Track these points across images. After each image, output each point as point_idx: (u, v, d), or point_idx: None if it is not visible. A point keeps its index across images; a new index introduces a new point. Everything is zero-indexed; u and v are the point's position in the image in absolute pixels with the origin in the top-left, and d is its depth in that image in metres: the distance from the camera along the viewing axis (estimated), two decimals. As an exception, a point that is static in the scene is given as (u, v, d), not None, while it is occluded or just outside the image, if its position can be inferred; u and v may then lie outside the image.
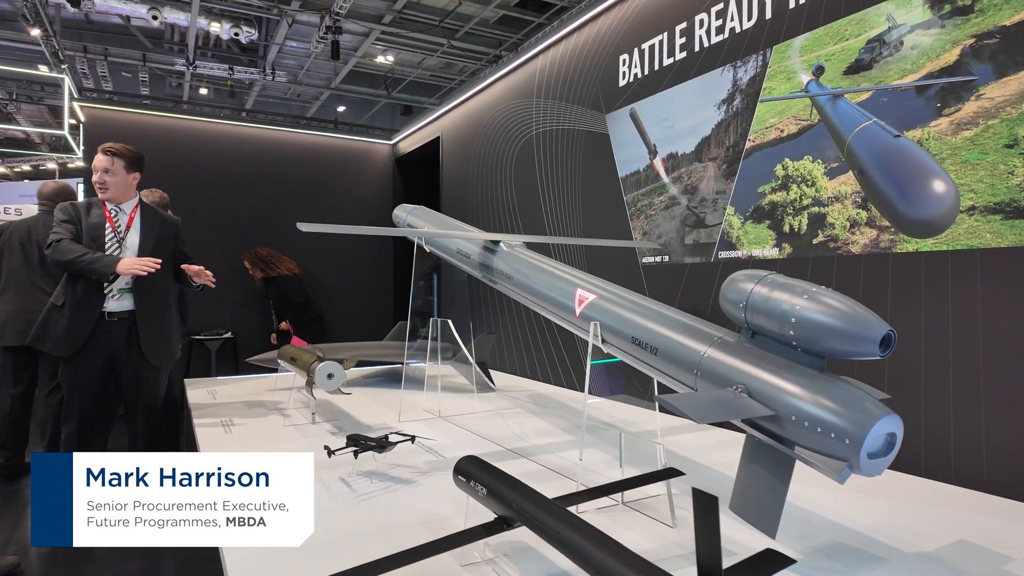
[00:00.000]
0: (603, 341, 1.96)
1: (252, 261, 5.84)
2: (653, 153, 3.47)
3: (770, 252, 2.82)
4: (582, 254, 4.04)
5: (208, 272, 3.12)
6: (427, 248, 3.13)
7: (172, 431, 3.93)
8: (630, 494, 1.99)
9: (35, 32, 11.28)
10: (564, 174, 4.19)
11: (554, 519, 1.26)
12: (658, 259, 3.43)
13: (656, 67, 3.45)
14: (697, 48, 3.20)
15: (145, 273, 2.85)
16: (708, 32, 3.13)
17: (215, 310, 5.81)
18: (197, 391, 3.92)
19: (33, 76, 13.71)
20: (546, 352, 4.32)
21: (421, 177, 6.28)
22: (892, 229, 2.37)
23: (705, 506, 0.96)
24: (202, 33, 16.22)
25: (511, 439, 2.76)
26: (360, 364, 4.14)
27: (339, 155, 6.67)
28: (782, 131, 2.78)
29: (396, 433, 2.30)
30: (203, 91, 19.08)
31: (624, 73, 3.67)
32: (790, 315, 1.40)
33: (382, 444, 2.16)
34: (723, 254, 3.05)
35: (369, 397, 3.73)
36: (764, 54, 2.85)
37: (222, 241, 5.85)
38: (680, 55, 3.30)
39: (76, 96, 14.17)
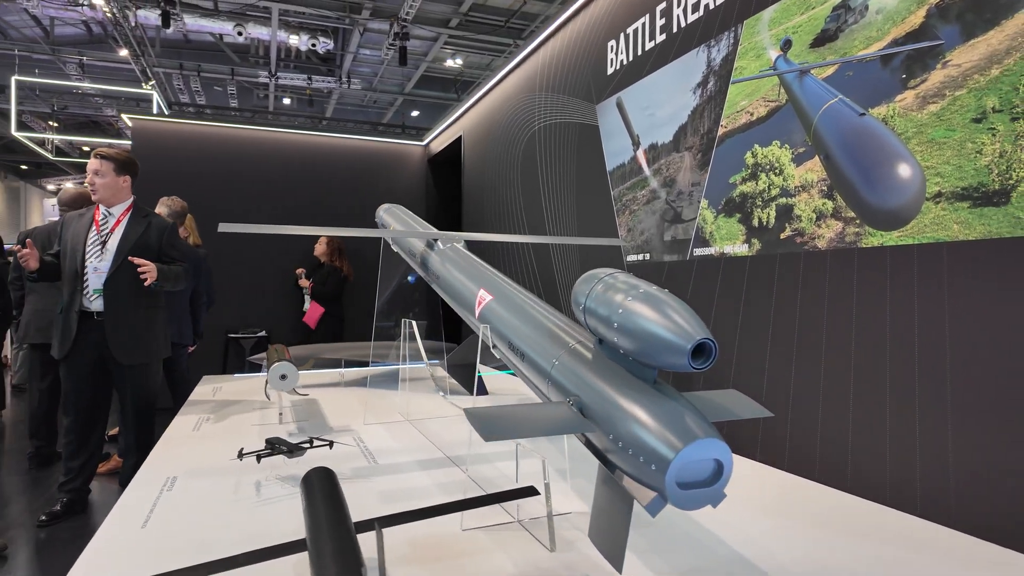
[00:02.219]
0: (493, 346, 1.83)
1: (331, 244, 5.96)
2: (636, 144, 3.26)
3: (740, 248, 2.56)
4: (575, 254, 3.88)
5: (147, 267, 3.10)
6: (394, 248, 3.09)
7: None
8: (532, 510, 1.86)
9: (123, 52, 12.33)
10: (560, 169, 4.03)
11: (325, 545, 1.16)
12: (641, 257, 3.22)
13: (639, 52, 3.24)
14: (675, 28, 2.97)
15: None
16: (685, 10, 2.90)
17: (251, 309, 6.08)
18: (205, 387, 4.09)
19: (126, 93, 14.93)
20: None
21: (450, 177, 6.27)
22: (857, 221, 2.07)
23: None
24: (283, 46, 17.15)
25: (460, 446, 2.67)
26: (357, 365, 4.17)
27: (378, 157, 6.79)
28: (752, 114, 2.52)
29: (317, 438, 2.27)
30: (286, 101, 20.17)
31: (612, 60, 3.48)
32: (612, 320, 1.23)
33: (292, 449, 2.13)
34: (697, 251, 2.81)
35: (359, 398, 3.74)
36: (736, 30, 2.60)
37: (263, 242, 6.11)
38: (660, 37, 3.08)
39: (167, 111, 15.32)
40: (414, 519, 1.35)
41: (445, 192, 6.40)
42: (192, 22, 14.86)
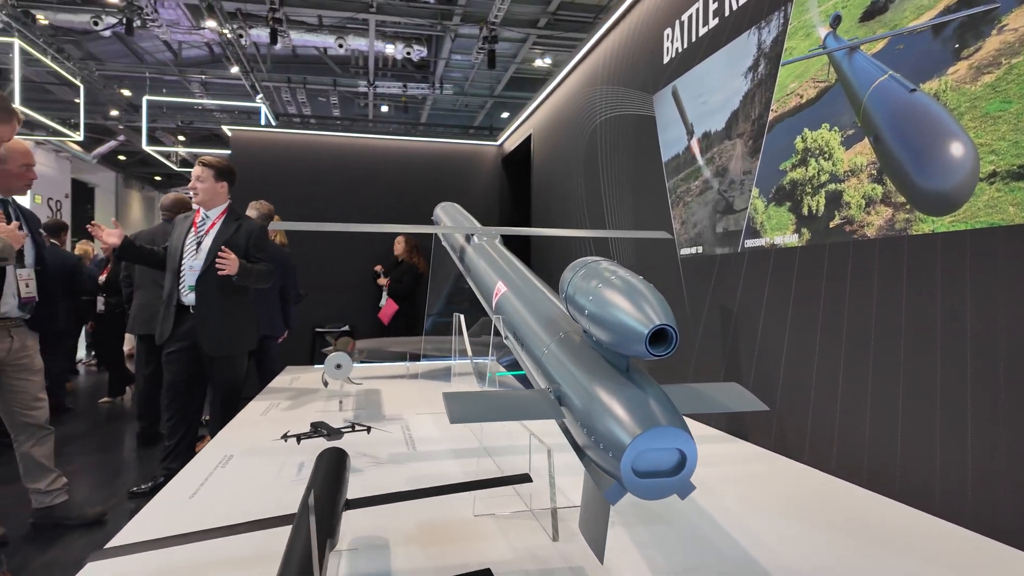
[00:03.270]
0: (505, 336, 1.86)
1: (409, 242, 6.24)
2: (690, 133, 3.16)
3: (790, 239, 2.42)
4: (631, 248, 3.81)
5: (228, 259, 3.34)
6: (444, 244, 3.18)
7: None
8: (543, 499, 1.87)
9: (234, 70, 13.40)
10: (618, 162, 3.97)
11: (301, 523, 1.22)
12: (694, 251, 3.11)
13: (693, 38, 3.13)
14: (727, 12, 2.85)
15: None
16: (736, -8, 2.78)
17: (336, 305, 6.44)
18: (285, 376, 4.39)
19: (239, 106, 16.18)
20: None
21: (522, 175, 6.33)
22: (908, 207, 1.91)
23: (303, 519, 0.89)
24: (380, 55, 17.94)
25: (499, 437, 2.71)
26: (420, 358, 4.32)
27: (455, 158, 6.97)
28: (801, 97, 2.38)
29: (358, 424, 2.40)
30: (384, 108, 21.07)
31: (667, 49, 3.38)
32: (585, 307, 1.23)
33: (331, 432, 2.27)
34: (748, 243, 2.68)
35: (418, 389, 3.88)
36: (785, 9, 2.46)
37: (347, 243, 6.46)
38: (713, 22, 2.96)
39: (275, 122, 16.44)
40: (385, 502, 1.41)
41: (518, 190, 6.47)
42: (298, 37, 15.88)
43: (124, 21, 12.90)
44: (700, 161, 3.07)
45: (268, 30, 14.61)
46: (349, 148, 6.80)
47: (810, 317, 2.30)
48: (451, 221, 3.19)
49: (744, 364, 2.69)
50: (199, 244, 3.58)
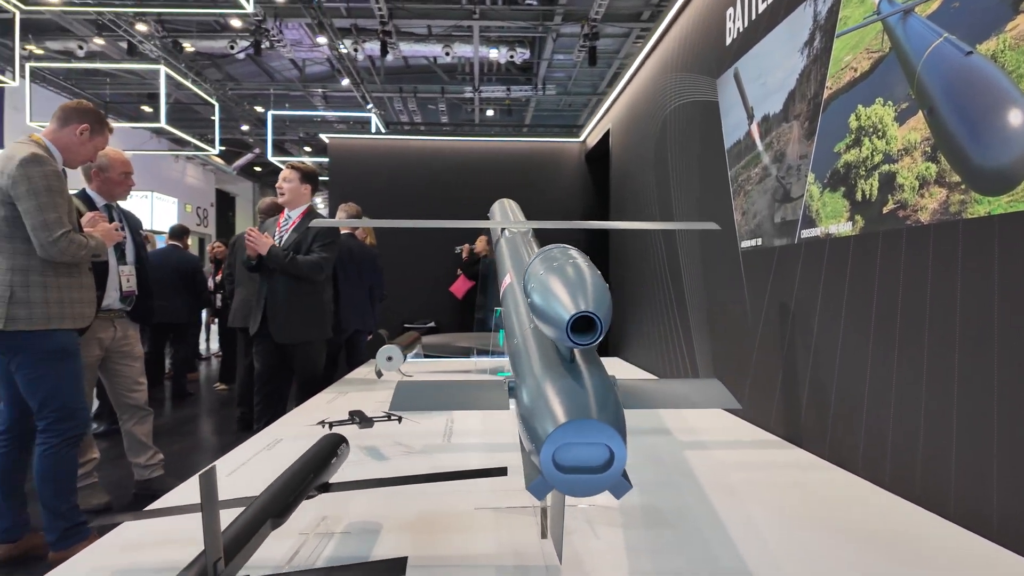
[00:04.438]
0: (494, 329, 1.84)
1: (490, 242, 6.45)
2: (750, 117, 2.96)
3: (844, 228, 2.20)
4: (695, 240, 3.62)
5: (255, 239, 3.58)
6: (493, 239, 3.20)
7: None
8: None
9: (345, 82, 14.24)
10: (684, 150, 3.80)
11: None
12: (754, 243, 2.91)
13: (754, 15, 2.93)
14: (785, -16, 2.64)
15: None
16: (793, -38, 2.56)
17: (424, 302, 6.68)
18: (365, 368, 4.61)
19: (353, 116, 17.15)
20: (672, 347, 3.96)
21: (604, 171, 6.22)
22: (963, 187, 1.67)
23: (207, 487, 0.94)
24: (485, 61, 18.35)
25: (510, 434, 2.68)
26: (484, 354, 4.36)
27: (538, 157, 6.99)
28: (855, 70, 2.15)
29: (392, 414, 2.48)
30: (489, 112, 21.51)
31: (729, 30, 3.19)
32: (529, 295, 1.19)
33: (363, 420, 2.36)
34: (804, 233, 2.47)
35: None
36: (840, -25, 2.24)
37: (433, 241, 6.69)
38: (772, -4, 2.75)
39: (384, 130, 17.29)
40: (361, 487, 1.44)
41: (601, 185, 6.36)
42: (407, 48, 16.61)
43: (253, 43, 14.09)
44: (759, 147, 2.86)
45: (379, 44, 15.39)
46: (437, 151, 7.03)
47: (863, 315, 2.07)
48: (501, 216, 3.21)
49: (800, 365, 2.48)
50: (280, 241, 3.86)
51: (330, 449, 1.61)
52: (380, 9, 14.08)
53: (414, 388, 1.25)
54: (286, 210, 3.95)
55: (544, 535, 1.62)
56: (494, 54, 17.02)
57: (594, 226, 3.65)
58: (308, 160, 20.24)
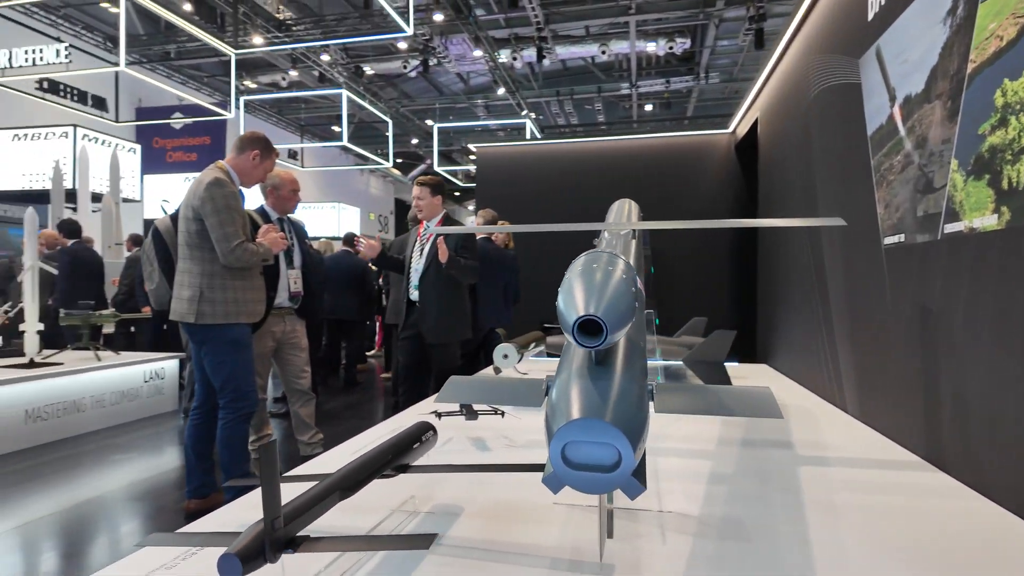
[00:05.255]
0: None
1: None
2: (892, 99, 2.65)
3: (988, 221, 1.92)
4: (838, 238, 3.30)
5: (442, 249, 3.90)
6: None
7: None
8: (623, 502, 1.85)
9: (500, 91, 14.80)
10: (828, 141, 3.48)
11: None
12: (897, 239, 2.61)
13: (896, -14, 2.63)
14: (928, -53, 2.34)
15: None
16: (935, -79, 2.26)
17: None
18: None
19: (509, 124, 17.75)
20: (817, 355, 3.64)
21: (752, 162, 5.86)
22: (1119, 168, 1.40)
23: (267, 459, 1.12)
24: (642, 55, 18.06)
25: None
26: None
27: (685, 151, 6.77)
28: (1001, 39, 1.86)
29: (498, 408, 2.61)
30: (648, 108, 21.07)
31: (871, 3, 2.88)
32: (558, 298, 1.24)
33: (469, 413, 2.52)
34: (947, 227, 2.18)
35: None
36: (985, -70, 1.95)
37: (576, 243, 6.75)
38: (914, -38, 2.45)
39: (539, 135, 17.68)
40: (438, 471, 1.57)
41: (751, 178, 5.99)
42: (563, 51, 16.87)
43: (422, 61, 15.22)
44: (902, 131, 2.56)
45: (535, 50, 15.81)
46: (580, 152, 7.10)
47: (1012, 323, 1.79)
48: (613, 216, 3.21)
49: (943, 377, 2.19)
50: (422, 250, 4.21)
51: (415, 435, 1.77)
52: (536, 16, 14.47)
53: (460, 383, 1.36)
54: (425, 221, 4.30)
55: (610, 535, 1.64)
56: (652, 47, 16.65)
57: (706, 225, 3.45)
58: (462, 168, 21.37)
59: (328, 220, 16.69)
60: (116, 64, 9.15)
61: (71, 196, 10.60)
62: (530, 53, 15.53)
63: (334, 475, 1.43)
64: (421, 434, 1.79)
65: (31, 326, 5.37)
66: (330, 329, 7.31)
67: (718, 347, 3.57)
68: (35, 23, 11.69)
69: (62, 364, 5.67)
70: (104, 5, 11.94)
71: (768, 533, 1.65)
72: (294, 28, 12.91)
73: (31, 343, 5.41)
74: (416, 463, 1.74)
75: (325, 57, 13.30)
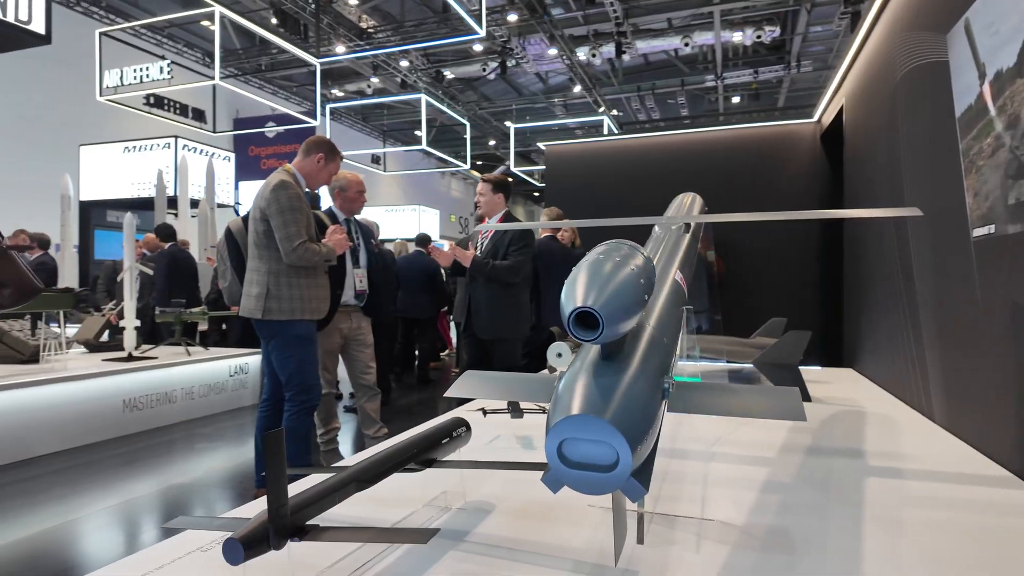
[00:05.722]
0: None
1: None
2: (982, 76, 2.39)
3: (1088, 205, 1.68)
4: (926, 230, 3.02)
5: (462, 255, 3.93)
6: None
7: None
8: (664, 507, 1.77)
9: (577, 89, 14.64)
10: (915, 125, 3.19)
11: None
12: (987, 230, 2.35)
13: (987, -51, 2.37)
14: (1020, -98, 2.09)
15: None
16: None
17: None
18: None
19: (588, 121, 17.54)
20: (903, 358, 3.35)
21: (837, 151, 5.47)
22: None
23: (272, 448, 1.14)
24: (728, 45, 17.41)
25: (687, 441, 2.53)
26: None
27: (768, 142, 6.43)
28: (1102, -3, 1.63)
29: (541, 406, 2.57)
30: (735, 99, 20.27)
31: (960, -29, 2.61)
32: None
33: (514, 411, 2.50)
34: (1042, 215, 1.93)
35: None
36: None
37: (645, 240, 6.57)
38: (1006, -79, 2.20)
39: (617, 131, 17.41)
40: (461, 467, 1.56)
41: (837, 168, 5.60)
42: (644, 45, 16.52)
43: (500, 63, 15.35)
44: (992, 111, 2.30)
45: (614, 45, 15.57)
46: (654, 147, 6.90)
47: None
48: (673, 211, 3.09)
49: (1037, 383, 1.95)
50: (481, 246, 4.24)
51: (446, 430, 1.77)
52: (615, 11, 14.24)
53: (473, 378, 1.34)
54: (486, 218, 4.32)
55: (640, 540, 1.57)
56: (738, 37, 15.97)
57: (768, 217, 3.22)
58: (536, 169, 21.33)
59: (409, 222, 17.18)
60: (212, 78, 9.85)
61: (172, 203, 11.51)
62: (609, 49, 15.30)
63: (353, 467, 1.45)
64: (452, 430, 1.79)
65: (129, 323, 5.87)
66: (404, 327, 7.51)
67: (791, 349, 3.36)
68: (142, 43, 12.78)
69: (156, 358, 6.15)
70: (204, 23, 12.86)
71: (815, 547, 1.52)
72: (375, 36, 13.38)
73: (129, 338, 5.91)
74: (447, 458, 1.73)
75: (404, 63, 13.68)
